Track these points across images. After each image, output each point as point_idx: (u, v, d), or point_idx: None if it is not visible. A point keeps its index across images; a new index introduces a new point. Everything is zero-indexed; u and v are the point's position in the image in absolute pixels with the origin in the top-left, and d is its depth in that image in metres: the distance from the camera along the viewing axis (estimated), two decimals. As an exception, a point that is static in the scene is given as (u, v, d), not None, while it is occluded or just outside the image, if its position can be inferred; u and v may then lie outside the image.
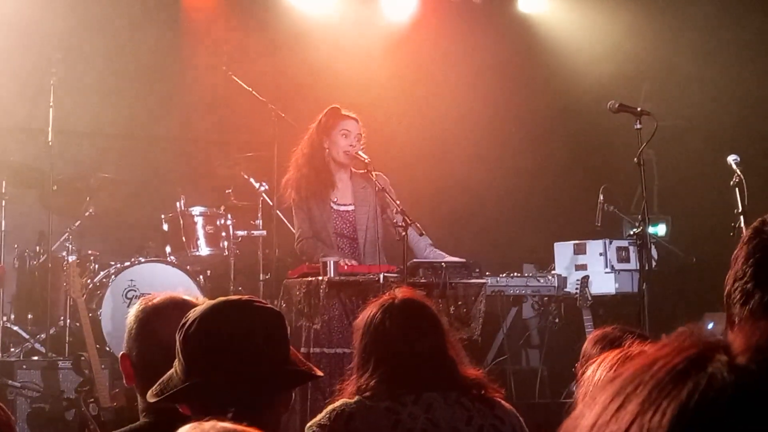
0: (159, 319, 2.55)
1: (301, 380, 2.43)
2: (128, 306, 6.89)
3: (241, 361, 2.16)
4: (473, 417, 3.12)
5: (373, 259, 6.25)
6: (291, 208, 6.48)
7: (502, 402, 3.21)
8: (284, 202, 6.63)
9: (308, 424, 3.10)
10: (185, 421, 2.26)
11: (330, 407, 3.10)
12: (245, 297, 2.34)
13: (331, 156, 6.34)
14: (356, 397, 3.09)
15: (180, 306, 2.38)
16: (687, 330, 0.84)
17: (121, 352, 2.67)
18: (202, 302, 2.35)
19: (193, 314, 2.23)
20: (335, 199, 6.38)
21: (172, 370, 2.25)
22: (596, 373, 2.10)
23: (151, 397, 2.26)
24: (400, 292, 3.31)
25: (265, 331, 2.21)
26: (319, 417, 3.09)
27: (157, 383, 2.26)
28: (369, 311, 3.23)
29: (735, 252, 1.93)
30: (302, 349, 5.94)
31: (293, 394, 2.38)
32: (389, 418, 3.04)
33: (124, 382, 2.69)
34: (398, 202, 6.15)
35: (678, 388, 0.76)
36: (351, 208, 6.39)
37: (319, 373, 2.33)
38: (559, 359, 7.48)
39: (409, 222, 5.89)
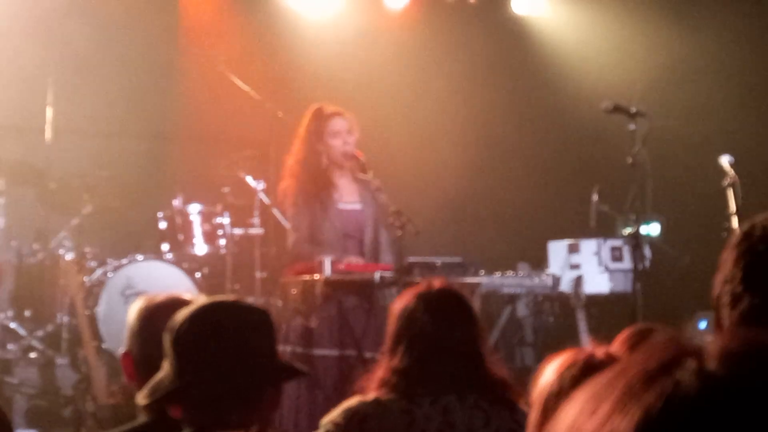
0: (161, 318, 2.57)
1: (289, 377, 2.50)
2: (125, 303, 6.92)
3: (232, 360, 2.20)
4: (491, 419, 3.10)
5: (375, 259, 6.24)
6: (289, 215, 6.38)
7: (525, 409, 3.14)
8: (284, 211, 6.57)
9: (323, 420, 3.09)
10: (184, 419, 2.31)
11: (346, 405, 3.09)
12: (231, 298, 2.41)
13: (330, 159, 6.26)
14: (372, 396, 3.09)
15: (181, 305, 2.42)
16: (667, 335, 0.85)
17: (123, 350, 2.71)
18: (202, 302, 2.39)
19: (181, 316, 2.26)
20: (340, 199, 6.30)
21: (161, 373, 2.28)
22: (549, 379, 2.10)
23: (142, 400, 2.29)
24: (437, 282, 3.28)
25: (254, 330, 2.26)
26: (334, 414, 3.08)
27: (147, 386, 2.29)
28: (405, 298, 3.22)
29: (723, 255, 1.95)
30: (298, 349, 5.96)
31: (282, 391, 2.42)
32: (404, 419, 3.04)
33: (125, 379, 2.72)
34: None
35: (646, 393, 0.76)
36: (358, 207, 6.31)
37: (305, 369, 2.36)
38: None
39: (405, 221, 5.91)
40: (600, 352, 2.14)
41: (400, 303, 3.23)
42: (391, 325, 3.21)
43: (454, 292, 3.28)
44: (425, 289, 3.22)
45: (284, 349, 5.67)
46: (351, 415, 3.06)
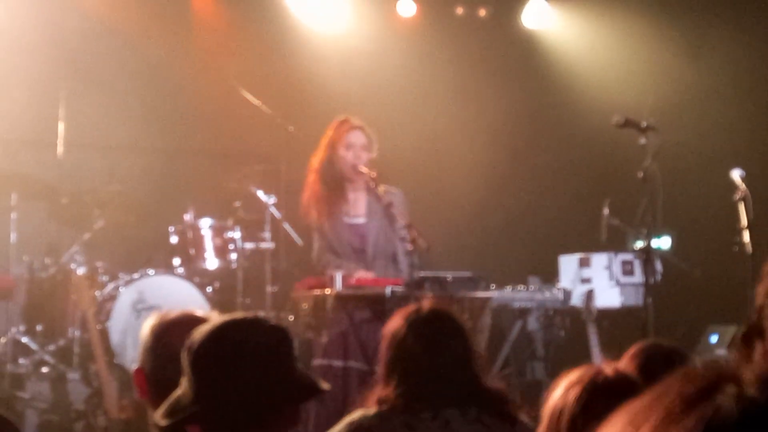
0: (174, 334, 2.57)
1: (309, 395, 2.46)
2: (137, 318, 6.95)
3: (253, 380, 2.19)
4: None
5: (383, 273, 6.26)
6: (312, 226, 6.43)
7: (525, 422, 3.17)
8: (308, 222, 6.57)
9: None
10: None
11: (348, 419, 3.12)
12: (250, 315, 2.39)
13: (341, 171, 6.33)
14: (375, 410, 3.11)
15: (195, 322, 2.41)
16: (703, 364, 0.85)
17: (136, 366, 2.71)
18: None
19: (200, 334, 2.25)
20: (348, 213, 6.34)
21: (179, 391, 2.27)
22: (557, 396, 2.11)
23: (162, 421, 2.27)
24: (426, 303, 3.26)
25: (273, 348, 2.25)
26: (337, 428, 3.11)
27: (166, 404, 2.28)
28: (395, 323, 3.22)
29: (765, 266, 1.92)
30: (309, 362, 5.97)
31: (300, 409, 2.41)
32: None
33: (136, 394, 2.73)
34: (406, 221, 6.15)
35: (686, 417, 0.77)
36: (362, 220, 6.35)
37: (326, 386, 2.37)
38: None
39: (415, 236, 5.92)
40: (609, 369, 2.15)
41: (389, 328, 3.23)
42: (383, 351, 3.22)
43: (442, 313, 3.26)
44: (413, 314, 3.22)
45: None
46: (354, 428, 3.09)
